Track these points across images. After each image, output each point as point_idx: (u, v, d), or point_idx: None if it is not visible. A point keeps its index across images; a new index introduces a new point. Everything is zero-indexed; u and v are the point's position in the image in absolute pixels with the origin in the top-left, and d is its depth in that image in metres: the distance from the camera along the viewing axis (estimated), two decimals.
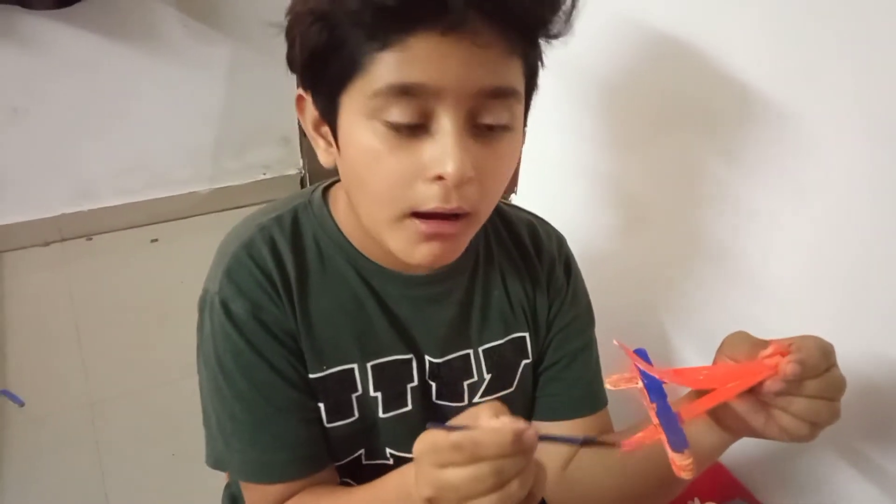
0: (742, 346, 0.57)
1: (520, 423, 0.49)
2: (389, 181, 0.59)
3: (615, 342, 0.60)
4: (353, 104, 0.58)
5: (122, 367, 1.90)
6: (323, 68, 0.59)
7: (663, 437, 0.53)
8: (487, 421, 0.50)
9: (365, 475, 0.71)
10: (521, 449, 0.48)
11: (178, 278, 2.04)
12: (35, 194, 2.27)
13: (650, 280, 1.05)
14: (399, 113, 0.56)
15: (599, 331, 0.83)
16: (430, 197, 0.58)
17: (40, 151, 2.21)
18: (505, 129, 0.60)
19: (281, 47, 0.65)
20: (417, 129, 0.57)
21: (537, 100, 0.64)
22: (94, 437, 1.72)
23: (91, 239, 2.38)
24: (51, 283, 2.19)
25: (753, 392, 0.55)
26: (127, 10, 2.09)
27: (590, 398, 0.79)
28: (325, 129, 0.64)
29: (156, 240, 2.39)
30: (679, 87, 0.91)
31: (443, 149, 0.56)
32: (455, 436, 0.49)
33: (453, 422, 0.53)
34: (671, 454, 0.52)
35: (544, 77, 0.64)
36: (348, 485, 0.75)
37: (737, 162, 0.86)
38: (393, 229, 0.62)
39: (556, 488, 0.79)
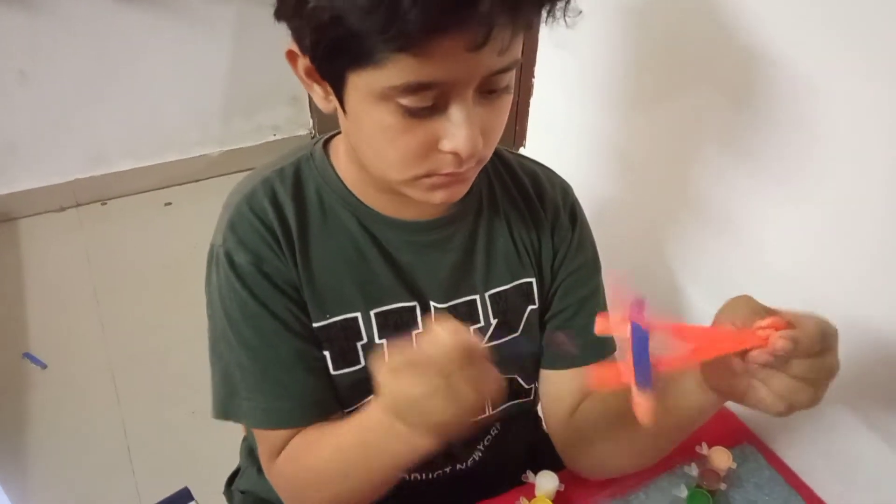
0: (742, 311, 0.56)
1: (466, 335, 0.53)
2: (405, 154, 0.60)
3: (614, 282, 0.60)
4: (365, 85, 0.57)
5: (139, 329, 1.94)
6: (332, 51, 0.57)
7: (633, 377, 0.53)
8: (438, 335, 0.53)
9: None
10: (467, 358, 0.52)
11: (192, 240, 2.06)
12: (47, 159, 2.29)
13: (655, 230, 1.05)
14: (414, 100, 0.56)
15: (606, 280, 0.83)
16: (444, 164, 0.60)
17: (50, 116, 2.22)
18: (505, 89, 0.61)
19: None
20: (431, 108, 0.57)
21: (545, 57, 0.63)
22: (116, 397, 1.76)
23: (105, 203, 2.40)
24: (67, 248, 2.22)
25: (742, 358, 0.54)
26: None
27: (597, 346, 0.79)
28: (323, 83, 0.62)
29: (169, 203, 2.41)
30: (688, 46, 0.89)
31: (457, 128, 0.58)
32: (409, 348, 0.53)
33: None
34: (634, 391, 0.52)
35: (552, 37, 0.63)
36: None
37: (745, 120, 0.84)
38: (408, 185, 0.64)
39: (564, 434, 0.81)
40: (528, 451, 0.90)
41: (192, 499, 0.76)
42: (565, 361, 0.80)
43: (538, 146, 1.23)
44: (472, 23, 0.51)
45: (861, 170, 0.74)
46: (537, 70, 1.16)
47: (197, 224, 0.75)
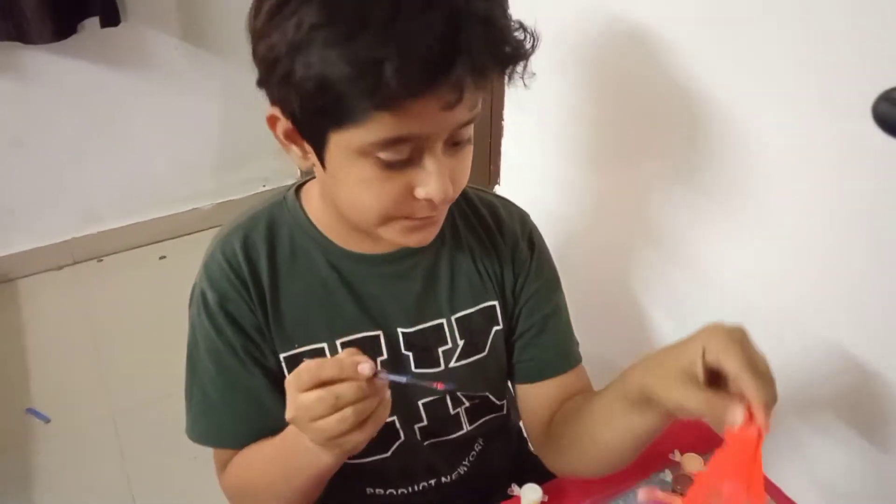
0: (674, 388, 0.59)
1: (359, 358, 0.60)
2: (383, 203, 0.67)
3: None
4: (345, 143, 0.63)
5: (139, 379, 1.99)
6: (316, 114, 0.62)
7: None
8: (332, 367, 0.60)
9: None
10: (365, 389, 0.59)
11: (187, 291, 2.11)
12: (44, 221, 2.36)
13: (620, 257, 1.12)
14: (391, 154, 0.63)
15: (578, 299, 0.90)
16: (418, 209, 0.68)
17: (46, 180, 2.30)
18: (468, 140, 0.69)
19: None
20: (406, 161, 0.64)
21: (513, 103, 0.70)
22: (119, 447, 1.80)
23: (101, 260, 2.46)
24: (66, 305, 2.28)
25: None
26: (120, 38, 2.16)
27: (563, 358, 0.87)
28: (302, 142, 0.68)
29: (164, 256, 2.47)
30: (640, 90, 0.97)
31: (431, 177, 0.65)
32: (307, 365, 0.60)
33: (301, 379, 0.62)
34: None
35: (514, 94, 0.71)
36: None
37: (691, 155, 0.92)
38: (385, 229, 0.71)
39: (544, 441, 0.87)
40: (513, 466, 0.96)
41: None
42: (535, 375, 0.87)
43: (510, 184, 1.31)
44: (446, 86, 0.58)
45: (792, 195, 0.82)
46: (506, 114, 1.25)
47: (191, 276, 0.81)
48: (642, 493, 0.69)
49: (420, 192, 0.66)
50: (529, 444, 1.06)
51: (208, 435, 0.81)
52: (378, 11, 0.55)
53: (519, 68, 0.63)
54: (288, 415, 0.63)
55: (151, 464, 1.74)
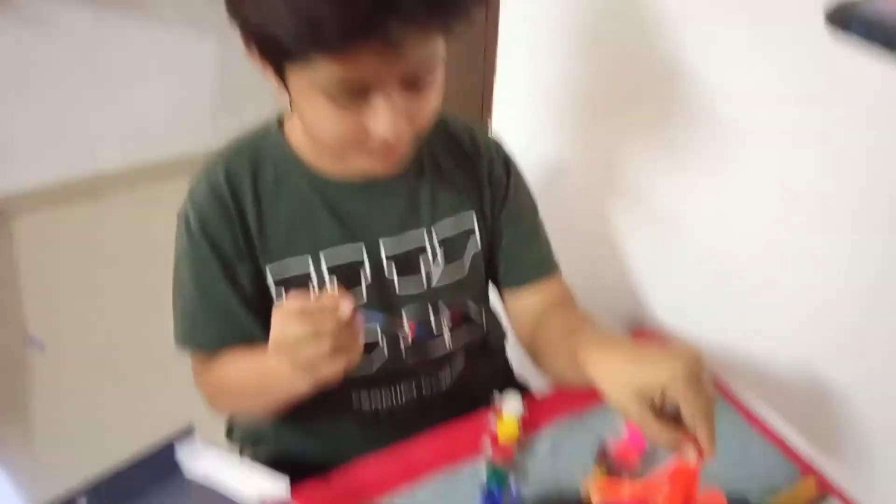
0: (629, 404, 0.66)
1: (349, 304, 0.65)
2: (339, 137, 0.70)
3: None
4: (298, 78, 0.67)
5: (133, 313, 2.03)
6: (267, 49, 0.66)
7: None
8: (314, 302, 0.65)
9: None
10: (344, 323, 0.64)
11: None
12: (42, 161, 2.37)
13: (597, 195, 1.16)
14: (340, 94, 0.66)
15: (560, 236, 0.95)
16: (375, 146, 0.71)
17: (44, 120, 2.32)
18: (430, 81, 0.70)
19: None
20: (357, 100, 0.67)
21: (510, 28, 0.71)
22: (111, 374, 1.85)
23: (97, 201, 2.48)
24: (62, 243, 2.31)
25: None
26: None
27: (542, 267, 0.94)
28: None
29: (158, 199, 2.50)
30: (646, 36, 0.99)
31: (380, 117, 0.67)
32: (293, 301, 0.65)
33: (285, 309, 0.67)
34: None
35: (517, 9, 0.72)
36: None
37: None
38: (350, 157, 0.75)
39: (530, 346, 0.93)
40: (494, 385, 1.01)
41: (193, 432, 0.85)
42: (518, 281, 0.93)
43: (504, 118, 1.34)
44: (380, 40, 0.61)
45: (765, 157, 0.86)
46: (500, 49, 1.27)
47: None
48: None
49: (372, 130, 0.69)
50: (512, 365, 1.12)
51: (185, 339, 0.88)
52: None
53: (456, 21, 0.64)
54: (271, 338, 0.67)
55: (147, 383, 1.79)
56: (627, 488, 0.71)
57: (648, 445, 0.85)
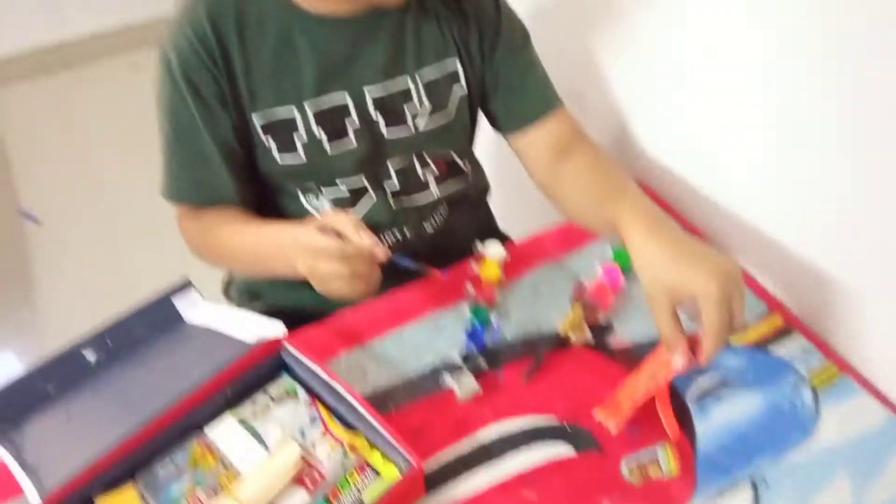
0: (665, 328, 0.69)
1: (372, 242, 0.72)
2: None
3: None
4: None
5: (123, 183, 2.05)
6: None
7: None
8: (353, 234, 0.72)
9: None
10: (370, 259, 0.72)
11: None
12: (12, 29, 2.29)
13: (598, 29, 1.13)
14: None
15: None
16: None
17: None
18: None
19: None
20: None
21: None
22: (106, 241, 1.89)
23: (72, 69, 2.42)
24: (43, 114, 2.28)
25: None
26: None
27: (545, 102, 0.93)
28: None
29: (135, 63, 2.44)
30: None
31: None
32: (328, 240, 0.71)
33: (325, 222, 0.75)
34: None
35: None
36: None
37: None
38: None
39: (547, 181, 0.93)
40: (478, 233, 1.04)
41: (191, 285, 0.89)
42: (522, 122, 0.93)
43: None
44: None
45: None
46: None
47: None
48: None
49: None
50: (494, 216, 1.15)
51: (167, 191, 0.89)
52: None
53: None
54: (301, 269, 0.73)
55: (142, 259, 1.83)
56: (626, 403, 0.76)
57: (623, 286, 0.89)
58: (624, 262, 0.93)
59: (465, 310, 0.87)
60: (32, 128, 2.24)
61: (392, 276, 0.93)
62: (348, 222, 0.73)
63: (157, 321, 0.85)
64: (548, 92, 0.95)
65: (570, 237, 0.98)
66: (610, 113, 1.15)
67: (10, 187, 2.04)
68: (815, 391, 0.80)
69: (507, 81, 0.93)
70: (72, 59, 2.42)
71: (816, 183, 0.85)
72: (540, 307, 0.89)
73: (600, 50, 1.13)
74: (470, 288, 0.89)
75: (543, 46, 0.97)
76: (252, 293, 1.06)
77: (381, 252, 0.73)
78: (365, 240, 0.72)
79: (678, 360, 0.71)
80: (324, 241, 0.72)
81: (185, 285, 0.88)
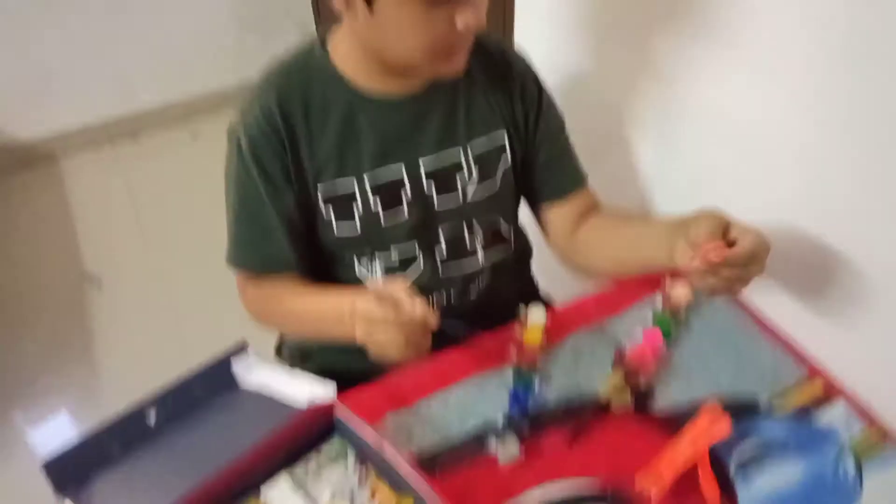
0: (705, 224, 0.77)
1: (425, 309, 0.75)
2: (432, 39, 0.78)
3: None
4: None
5: (183, 247, 2.14)
6: None
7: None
8: (408, 303, 0.75)
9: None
10: (423, 326, 0.75)
11: (217, 167, 2.23)
12: (77, 100, 2.45)
13: (623, 98, 1.18)
14: None
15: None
16: (458, 40, 0.80)
17: (83, 55, 2.37)
18: None
19: None
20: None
21: None
22: (165, 306, 1.97)
23: (136, 138, 2.56)
24: (106, 182, 2.41)
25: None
26: None
27: (577, 180, 1.03)
28: None
29: (196, 133, 2.57)
30: None
31: (468, 8, 0.76)
32: (385, 309, 0.75)
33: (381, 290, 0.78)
34: None
35: None
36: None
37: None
38: (430, 62, 0.81)
39: (566, 246, 1.04)
40: (520, 298, 1.07)
41: (248, 348, 0.94)
42: (556, 195, 1.01)
43: (523, 35, 1.36)
44: None
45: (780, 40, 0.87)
46: None
47: (220, 150, 0.92)
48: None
49: (460, 22, 0.76)
50: (536, 281, 1.18)
51: (231, 258, 0.96)
52: None
53: None
54: (359, 334, 0.78)
55: (200, 322, 1.91)
56: (668, 470, 0.77)
57: (664, 351, 0.91)
58: (665, 326, 0.95)
59: (508, 374, 0.90)
60: (97, 195, 2.37)
61: (438, 339, 0.97)
62: (404, 292, 0.77)
63: (215, 384, 0.89)
64: (579, 170, 1.03)
65: (611, 302, 1.01)
66: (635, 179, 1.19)
67: (74, 251, 2.15)
68: (858, 460, 0.80)
69: (546, 159, 1.00)
70: (135, 129, 2.56)
71: (851, 250, 0.86)
72: (582, 371, 0.91)
73: (623, 124, 1.18)
74: (513, 352, 0.92)
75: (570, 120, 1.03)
76: (303, 354, 1.11)
77: (434, 320, 0.77)
78: (419, 309, 0.75)
79: (679, 288, 0.87)
80: (381, 311, 0.76)
81: (242, 348, 0.93)
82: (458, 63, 0.84)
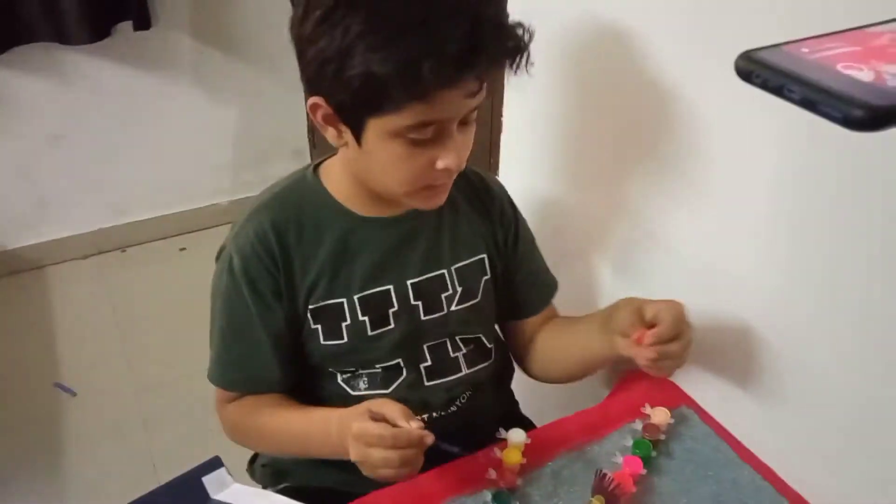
0: (624, 311, 0.86)
1: (420, 428, 0.76)
2: (412, 174, 0.82)
3: None
4: (382, 126, 0.77)
5: (160, 361, 2.12)
6: (361, 104, 0.75)
7: None
8: (403, 422, 0.77)
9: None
10: (419, 445, 0.76)
11: (205, 281, 2.25)
12: (74, 212, 2.50)
13: (596, 232, 1.24)
14: (420, 134, 0.78)
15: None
16: (438, 177, 0.83)
17: (78, 173, 2.44)
18: (474, 119, 0.83)
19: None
20: (430, 139, 0.79)
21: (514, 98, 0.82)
22: (141, 421, 1.92)
23: (125, 251, 2.60)
24: (92, 291, 2.42)
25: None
26: (150, 42, 2.32)
27: (547, 298, 1.10)
28: (340, 125, 0.82)
29: (184, 248, 2.61)
30: (617, 84, 1.08)
31: (449, 151, 0.80)
32: (381, 429, 0.76)
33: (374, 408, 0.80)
34: None
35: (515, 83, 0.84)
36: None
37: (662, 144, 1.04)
38: (409, 196, 0.86)
39: (525, 355, 1.10)
40: (500, 414, 1.08)
41: (221, 465, 0.92)
42: (529, 312, 1.07)
43: (508, 172, 1.44)
44: (471, 78, 0.73)
45: (743, 178, 0.93)
46: (504, 112, 1.38)
47: (208, 267, 0.94)
48: None
49: (440, 164, 0.80)
50: (518, 403, 1.18)
51: (214, 376, 0.97)
52: (412, 19, 0.69)
53: (522, 60, 0.77)
54: (352, 456, 0.79)
55: (173, 437, 1.86)
56: None
57: (644, 477, 0.91)
58: (645, 452, 0.95)
59: (486, 496, 0.89)
60: (80, 304, 2.37)
61: (430, 456, 0.97)
62: (398, 411, 0.78)
63: (184, 499, 0.87)
64: (552, 281, 1.10)
65: (592, 426, 1.01)
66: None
67: (52, 359, 2.12)
68: None
69: (524, 276, 1.06)
70: (124, 242, 2.60)
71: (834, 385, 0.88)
72: (561, 496, 0.90)
73: (609, 261, 1.23)
74: (492, 473, 0.91)
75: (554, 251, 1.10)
76: (278, 472, 1.08)
77: (430, 439, 0.77)
78: (415, 427, 0.76)
79: (622, 343, 0.86)
80: (376, 430, 0.76)
81: (215, 464, 0.91)
82: (437, 199, 0.88)
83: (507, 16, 0.77)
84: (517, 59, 0.76)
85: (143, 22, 2.22)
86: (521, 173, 1.38)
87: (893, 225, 0.77)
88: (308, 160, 2.91)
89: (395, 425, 0.77)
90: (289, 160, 2.72)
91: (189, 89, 2.48)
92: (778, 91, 0.38)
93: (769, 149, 0.88)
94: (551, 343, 1.06)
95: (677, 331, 0.84)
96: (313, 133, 2.52)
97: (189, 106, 2.51)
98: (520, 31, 0.76)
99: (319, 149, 2.64)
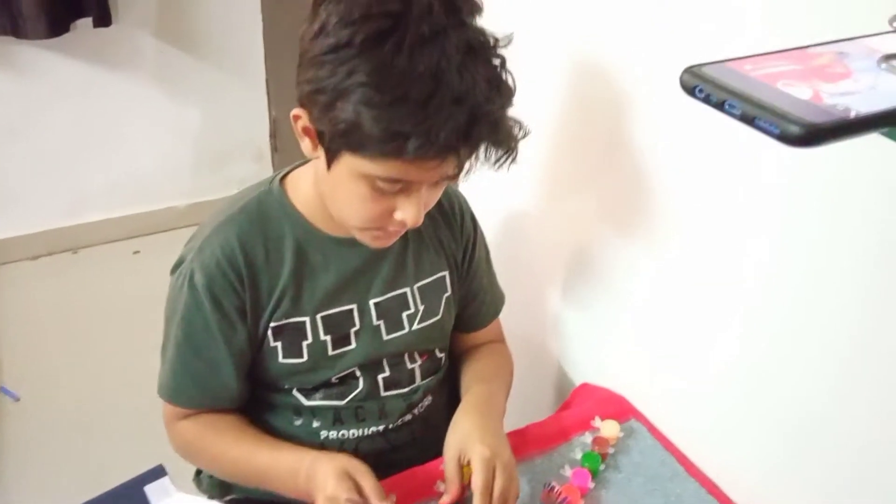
0: (449, 458, 0.88)
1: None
2: (368, 216, 0.81)
3: None
4: (354, 165, 0.75)
5: (107, 367, 2.06)
6: (338, 137, 0.74)
7: None
8: (377, 502, 0.79)
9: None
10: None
11: (158, 285, 2.20)
12: (25, 211, 2.43)
13: (555, 254, 1.24)
14: (388, 186, 0.77)
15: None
16: (392, 225, 0.82)
17: (32, 171, 2.38)
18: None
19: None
20: (397, 189, 0.78)
21: None
22: (86, 427, 1.87)
23: (77, 252, 2.53)
24: (40, 294, 2.34)
25: None
26: (110, 39, 2.27)
27: (495, 313, 1.12)
28: (317, 143, 0.80)
29: (137, 251, 2.55)
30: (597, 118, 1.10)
31: (411, 207, 0.79)
32: (352, 499, 0.78)
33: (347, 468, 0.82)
34: None
35: None
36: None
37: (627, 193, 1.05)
38: (360, 231, 0.85)
39: (457, 363, 1.09)
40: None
41: (165, 473, 0.90)
42: (478, 325, 1.09)
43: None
44: (451, 161, 0.74)
45: (706, 191, 0.94)
46: None
47: (162, 270, 0.91)
48: None
49: (399, 216, 0.80)
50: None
51: (168, 392, 0.93)
52: (416, 93, 0.68)
53: (507, 160, 0.78)
54: (311, 484, 0.82)
55: (115, 441, 1.81)
56: None
57: (592, 490, 0.91)
58: (594, 465, 0.95)
59: None
60: (28, 307, 2.30)
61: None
62: (374, 489, 0.80)
63: None
64: (500, 301, 1.12)
65: (542, 437, 1.01)
66: (571, 332, 1.23)
67: None
68: None
69: (476, 293, 1.07)
70: (75, 243, 2.54)
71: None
72: None
73: (567, 276, 1.23)
74: (440, 486, 0.90)
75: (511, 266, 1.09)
76: (224, 484, 1.06)
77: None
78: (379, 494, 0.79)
79: (445, 498, 0.85)
80: (346, 494, 0.78)
81: (159, 473, 0.89)
82: (384, 242, 0.88)
83: (506, 113, 0.75)
84: (502, 159, 0.77)
85: (103, 19, 2.18)
86: (481, 183, 1.38)
87: (829, 233, 0.78)
88: (269, 164, 2.95)
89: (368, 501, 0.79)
90: (250, 164, 2.68)
91: (149, 89, 2.44)
92: (719, 106, 0.39)
93: (730, 162, 0.89)
94: (462, 369, 1.07)
95: (489, 478, 0.84)
96: (275, 137, 2.49)
97: (149, 106, 2.46)
98: (515, 130, 0.76)
99: (282, 153, 2.61)
